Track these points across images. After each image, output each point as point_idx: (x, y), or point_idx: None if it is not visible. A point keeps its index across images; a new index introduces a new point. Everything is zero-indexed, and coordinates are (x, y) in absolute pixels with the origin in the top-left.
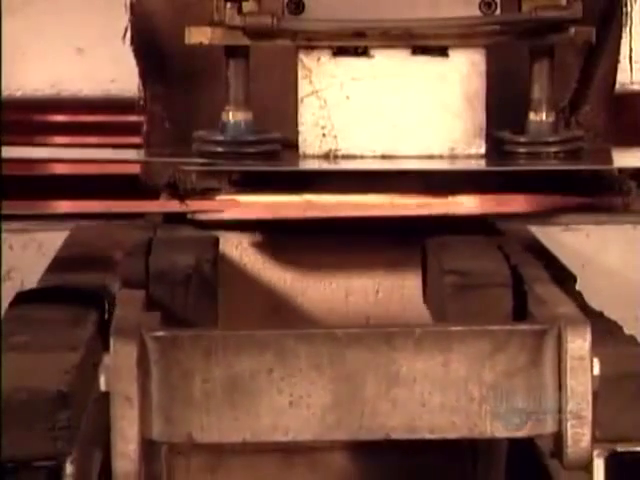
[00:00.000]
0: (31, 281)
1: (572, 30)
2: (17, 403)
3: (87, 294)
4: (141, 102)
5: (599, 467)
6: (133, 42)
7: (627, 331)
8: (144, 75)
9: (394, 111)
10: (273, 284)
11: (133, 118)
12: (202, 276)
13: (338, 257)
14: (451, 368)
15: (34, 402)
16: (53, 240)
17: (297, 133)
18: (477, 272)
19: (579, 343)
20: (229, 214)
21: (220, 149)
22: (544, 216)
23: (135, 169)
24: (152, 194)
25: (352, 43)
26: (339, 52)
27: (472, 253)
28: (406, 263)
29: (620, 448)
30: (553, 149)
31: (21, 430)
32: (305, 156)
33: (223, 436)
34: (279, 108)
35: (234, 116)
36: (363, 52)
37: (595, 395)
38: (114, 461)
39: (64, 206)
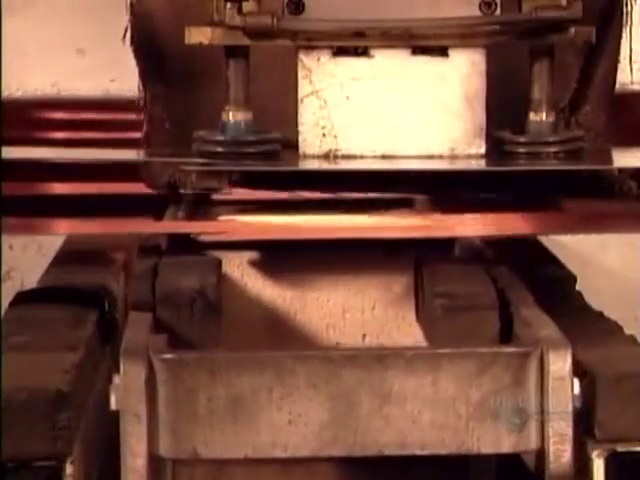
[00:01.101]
0: (31, 281)
1: (572, 30)
2: (17, 403)
3: (87, 294)
4: (141, 102)
5: (599, 467)
6: (133, 42)
7: (627, 331)
8: (144, 75)
9: (394, 111)
10: (273, 301)
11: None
12: (206, 298)
13: (335, 274)
14: (440, 387)
15: (34, 402)
16: (53, 240)
17: (297, 133)
18: (466, 295)
19: (560, 364)
20: (229, 236)
21: (220, 149)
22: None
23: (136, 188)
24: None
25: (352, 43)
26: (339, 52)
27: (461, 277)
28: (402, 280)
29: (620, 448)
30: (553, 149)
31: (21, 430)
32: (305, 156)
33: (226, 452)
34: (279, 108)
35: (234, 116)
36: (363, 52)
37: (575, 412)
38: (124, 476)
39: (63, 226)
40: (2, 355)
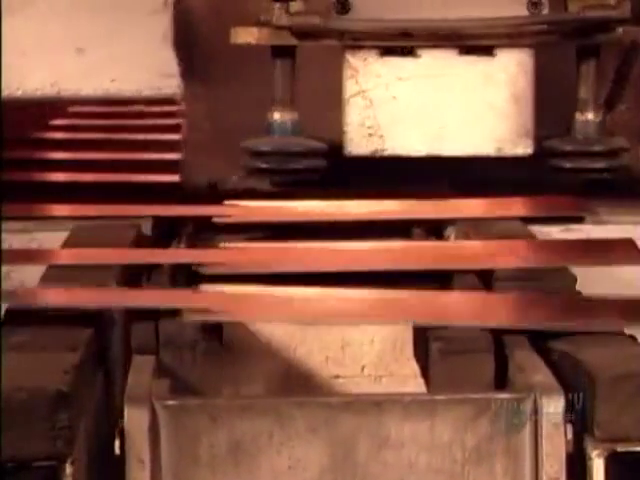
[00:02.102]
0: (31, 281)
1: (620, 30)
2: (17, 403)
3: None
4: (181, 102)
5: (599, 467)
6: (175, 41)
7: (627, 331)
8: (185, 75)
9: (440, 111)
10: (274, 335)
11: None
12: (208, 340)
13: None
14: (436, 432)
15: (34, 402)
16: (53, 240)
17: (342, 134)
18: (462, 338)
19: (553, 410)
20: (231, 268)
21: (265, 165)
22: None
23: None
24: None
25: (399, 43)
26: (386, 52)
27: None
28: None
29: (620, 448)
30: (599, 165)
31: (21, 430)
32: (351, 155)
33: None
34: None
35: (281, 116)
36: (409, 52)
37: (569, 458)
38: None
39: (63, 255)
40: (2, 355)
